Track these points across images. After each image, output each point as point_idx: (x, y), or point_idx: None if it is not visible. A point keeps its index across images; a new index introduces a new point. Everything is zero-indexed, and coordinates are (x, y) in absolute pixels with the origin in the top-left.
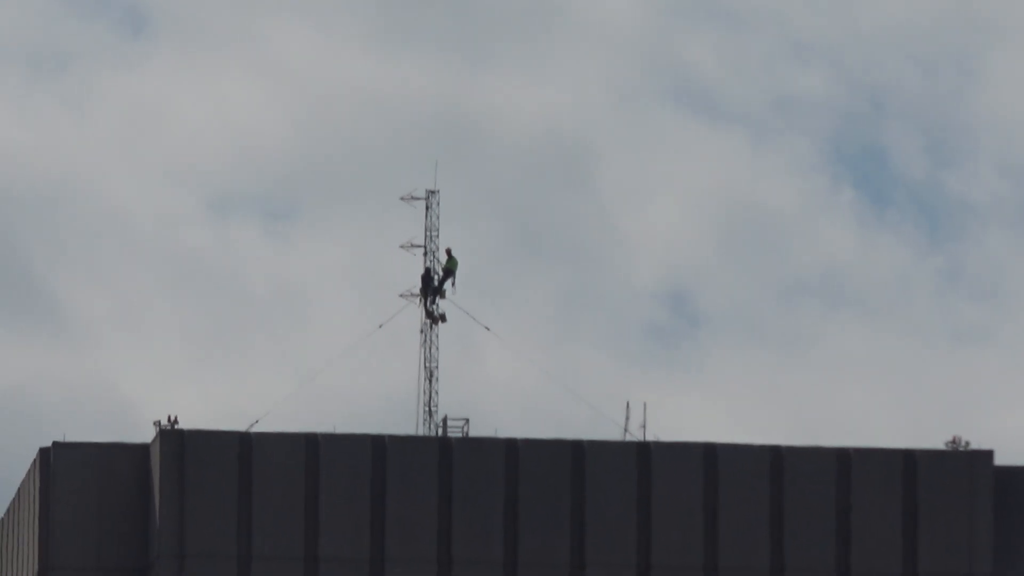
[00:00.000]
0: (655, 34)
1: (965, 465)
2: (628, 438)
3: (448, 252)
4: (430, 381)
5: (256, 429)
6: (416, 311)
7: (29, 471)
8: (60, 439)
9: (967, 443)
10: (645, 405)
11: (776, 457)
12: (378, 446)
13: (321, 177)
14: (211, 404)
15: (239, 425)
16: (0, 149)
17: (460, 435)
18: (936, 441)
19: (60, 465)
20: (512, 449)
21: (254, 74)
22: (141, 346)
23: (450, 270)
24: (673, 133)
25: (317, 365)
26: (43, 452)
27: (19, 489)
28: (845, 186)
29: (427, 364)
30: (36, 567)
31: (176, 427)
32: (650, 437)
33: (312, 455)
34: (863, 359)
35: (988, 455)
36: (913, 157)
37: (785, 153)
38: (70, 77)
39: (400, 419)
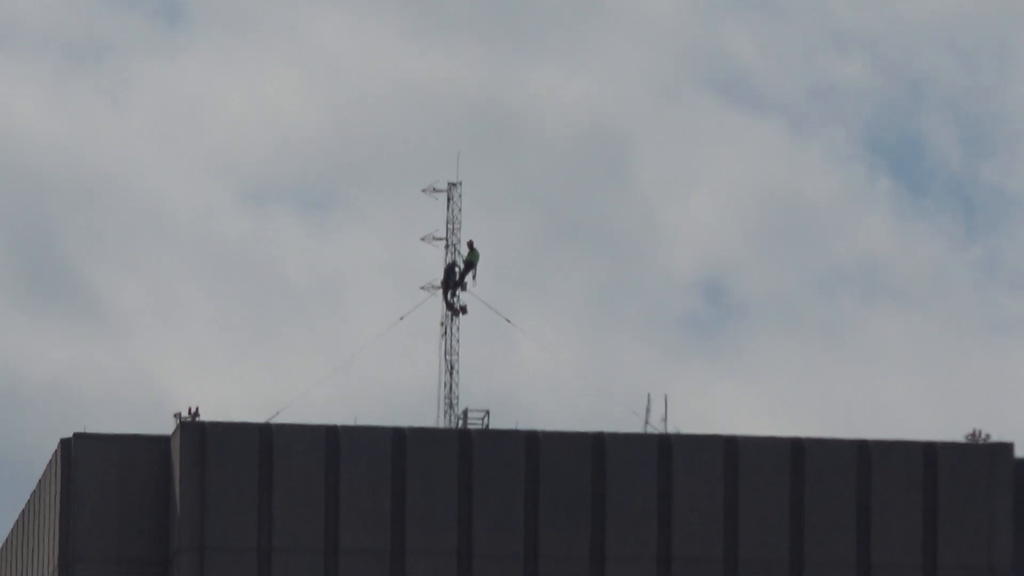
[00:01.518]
0: (693, 23)
1: (985, 458)
2: (649, 430)
3: (470, 245)
4: (451, 373)
5: (277, 421)
6: (438, 303)
7: (50, 462)
8: (82, 430)
9: (987, 436)
10: (666, 397)
11: (797, 450)
12: (398, 438)
13: (357, 168)
14: (247, 394)
15: (273, 415)
16: (36, 139)
17: (481, 427)
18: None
19: (81, 457)
20: (533, 441)
21: (291, 64)
22: (177, 336)
23: (471, 263)
24: (711, 123)
25: (348, 356)
26: (64, 443)
27: (40, 481)
28: (882, 176)
29: (448, 356)
30: (56, 559)
31: (197, 419)
32: (671, 429)
33: (332, 447)
34: (900, 350)
35: (1009, 448)
36: (950, 147)
37: (823, 143)
38: (106, 68)
39: (421, 411)
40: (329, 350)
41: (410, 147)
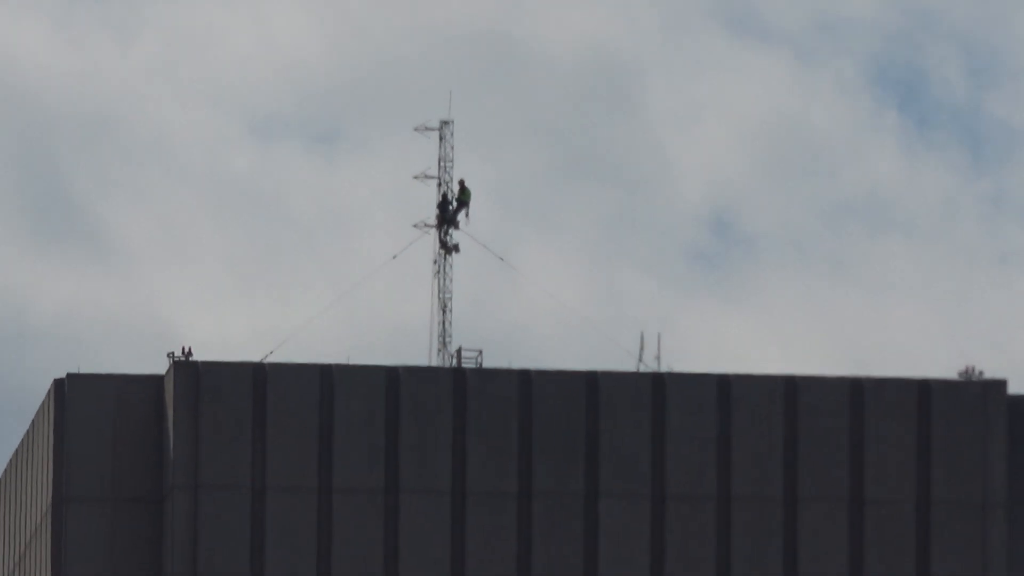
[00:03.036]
0: None
1: (978, 395)
2: (642, 368)
3: (461, 183)
4: (444, 312)
5: (271, 360)
6: (431, 241)
7: (43, 402)
8: (83, 369)
9: (981, 372)
10: (659, 336)
11: (790, 387)
12: (392, 377)
13: (364, 102)
14: (251, 329)
15: (267, 354)
16: (42, 74)
17: (474, 366)
18: (989, 369)
19: (74, 397)
20: (526, 380)
21: None
22: (183, 270)
23: (463, 202)
24: (717, 54)
25: (341, 294)
26: (57, 383)
27: (33, 420)
28: (889, 108)
29: (441, 295)
30: (50, 498)
31: (190, 359)
32: (665, 368)
33: (326, 386)
34: (908, 283)
35: (1001, 384)
36: (957, 80)
37: (830, 75)
38: (113, 2)
39: (415, 350)
40: (335, 285)
41: (415, 81)
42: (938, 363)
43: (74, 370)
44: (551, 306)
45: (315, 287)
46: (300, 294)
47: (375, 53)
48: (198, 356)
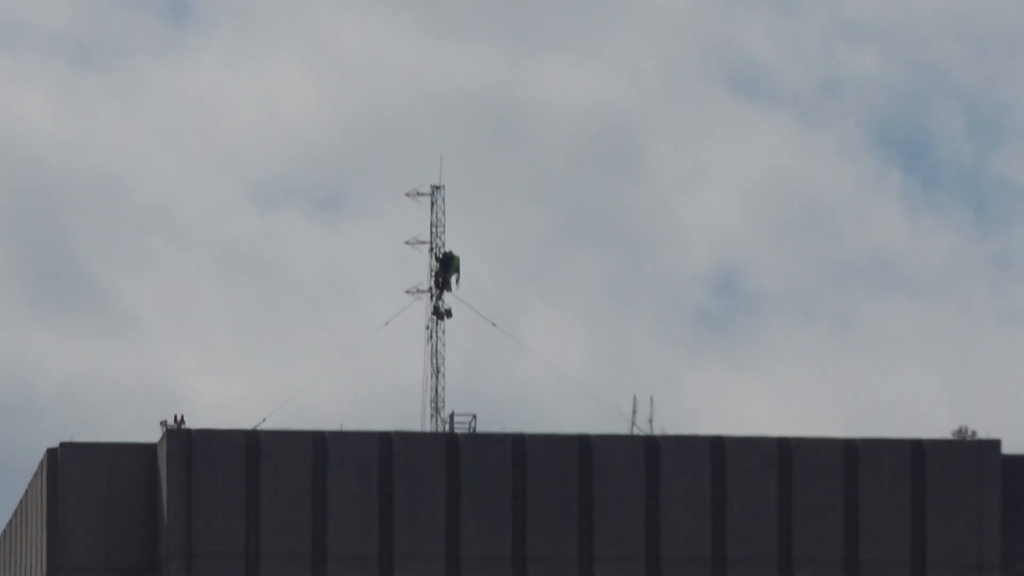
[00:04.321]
0: (705, 17)
1: (973, 455)
2: (636, 432)
3: (449, 253)
4: (436, 377)
5: (264, 427)
6: (423, 307)
7: (36, 472)
8: (82, 436)
9: (974, 433)
10: (652, 399)
11: (784, 449)
12: (385, 443)
13: (367, 167)
14: (255, 394)
15: (260, 421)
16: (46, 141)
17: (467, 431)
18: (992, 430)
19: (67, 466)
20: (519, 444)
21: (300, 63)
22: (187, 337)
23: (455, 268)
24: (723, 116)
25: (335, 361)
26: (51, 452)
27: (27, 490)
28: (893, 169)
29: (434, 360)
30: (45, 568)
31: (183, 426)
32: (658, 431)
33: (319, 452)
34: (912, 342)
35: (995, 444)
36: (961, 140)
37: (835, 136)
38: (116, 69)
39: (409, 415)
40: (336, 350)
41: (416, 146)
42: (938, 423)
43: (72, 439)
44: (545, 370)
45: (317, 352)
46: (302, 359)
47: (377, 119)
48: (200, 422)
